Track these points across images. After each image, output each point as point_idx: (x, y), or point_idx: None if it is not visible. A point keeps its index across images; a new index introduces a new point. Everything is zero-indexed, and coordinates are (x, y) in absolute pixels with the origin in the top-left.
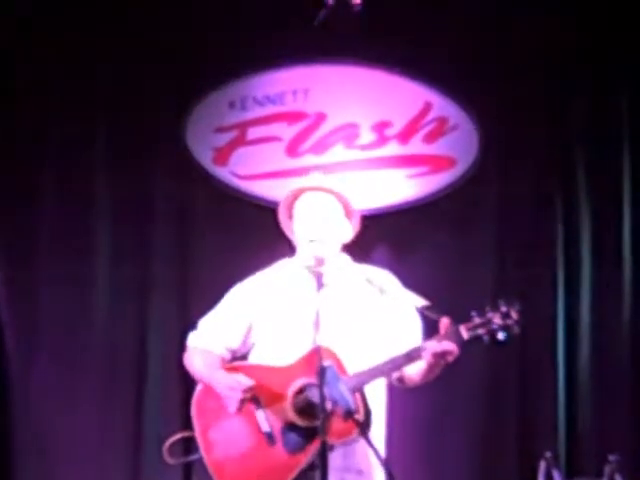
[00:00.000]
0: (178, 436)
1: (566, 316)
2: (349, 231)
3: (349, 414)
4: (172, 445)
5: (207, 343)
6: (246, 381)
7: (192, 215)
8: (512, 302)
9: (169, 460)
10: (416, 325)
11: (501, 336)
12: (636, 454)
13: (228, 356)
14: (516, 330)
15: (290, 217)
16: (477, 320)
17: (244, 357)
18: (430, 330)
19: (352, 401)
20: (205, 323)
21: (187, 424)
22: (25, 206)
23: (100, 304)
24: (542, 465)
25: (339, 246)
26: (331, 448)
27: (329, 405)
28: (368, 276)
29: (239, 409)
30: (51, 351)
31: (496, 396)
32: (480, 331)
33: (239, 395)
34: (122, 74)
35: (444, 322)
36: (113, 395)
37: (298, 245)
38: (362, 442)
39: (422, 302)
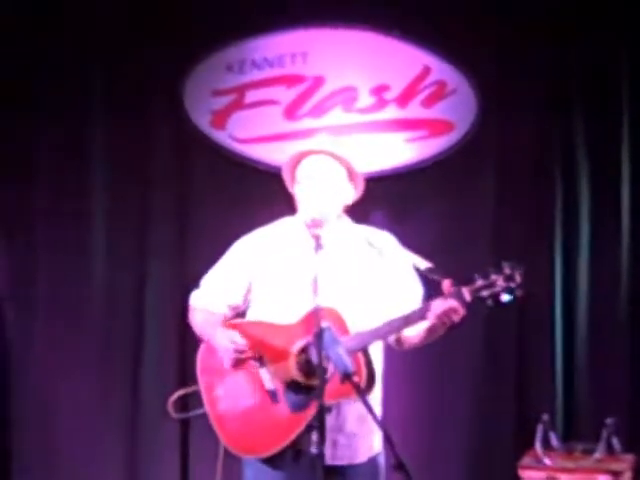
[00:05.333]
0: (181, 392)
1: (564, 277)
2: (351, 194)
3: (346, 376)
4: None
5: (208, 301)
6: (240, 340)
7: (191, 178)
8: (516, 265)
9: (173, 415)
10: (416, 286)
11: (504, 298)
12: (633, 417)
13: (230, 313)
14: (519, 293)
15: (293, 179)
16: (480, 282)
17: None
18: (433, 292)
19: (350, 363)
20: (206, 281)
21: (185, 381)
22: (21, 175)
23: (98, 265)
24: (539, 428)
25: (340, 208)
26: (329, 410)
27: (328, 367)
28: (368, 237)
29: (234, 367)
30: (49, 312)
31: (494, 358)
32: (483, 293)
33: (232, 355)
34: (120, 37)
35: (447, 283)
36: (111, 353)
37: (299, 206)
38: (357, 404)
39: (425, 264)
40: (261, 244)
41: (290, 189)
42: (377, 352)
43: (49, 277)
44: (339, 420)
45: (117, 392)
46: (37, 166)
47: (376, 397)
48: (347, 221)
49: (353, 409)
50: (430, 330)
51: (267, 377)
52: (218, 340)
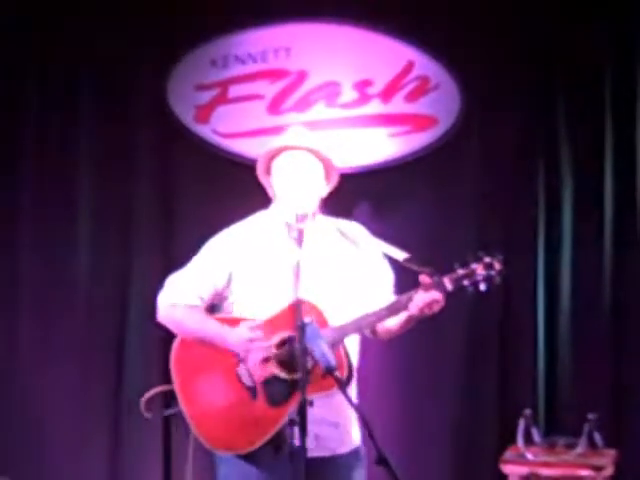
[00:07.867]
0: (155, 390)
1: (546, 271)
2: (326, 187)
3: (329, 371)
4: (151, 399)
5: (186, 296)
6: (254, 334)
7: (174, 172)
8: (495, 253)
9: (146, 414)
10: (388, 273)
11: (484, 287)
12: (615, 412)
13: (203, 307)
14: (498, 281)
15: (268, 172)
16: (460, 271)
17: (214, 308)
18: (413, 282)
19: (332, 358)
20: (177, 277)
21: (167, 378)
22: (5, 173)
23: (82, 258)
24: (521, 422)
25: (318, 202)
26: (311, 404)
27: (309, 361)
28: (340, 228)
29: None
30: (33, 305)
31: (476, 354)
32: (464, 282)
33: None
34: (104, 31)
35: (424, 274)
36: (94, 348)
37: (276, 199)
38: (339, 395)
39: (403, 255)
40: (239, 239)
41: (262, 180)
42: (353, 344)
43: (33, 275)
44: (323, 412)
45: (101, 389)
46: (21, 163)
47: (352, 389)
48: (319, 214)
49: (336, 400)
50: (408, 319)
51: (245, 374)
52: (232, 339)
